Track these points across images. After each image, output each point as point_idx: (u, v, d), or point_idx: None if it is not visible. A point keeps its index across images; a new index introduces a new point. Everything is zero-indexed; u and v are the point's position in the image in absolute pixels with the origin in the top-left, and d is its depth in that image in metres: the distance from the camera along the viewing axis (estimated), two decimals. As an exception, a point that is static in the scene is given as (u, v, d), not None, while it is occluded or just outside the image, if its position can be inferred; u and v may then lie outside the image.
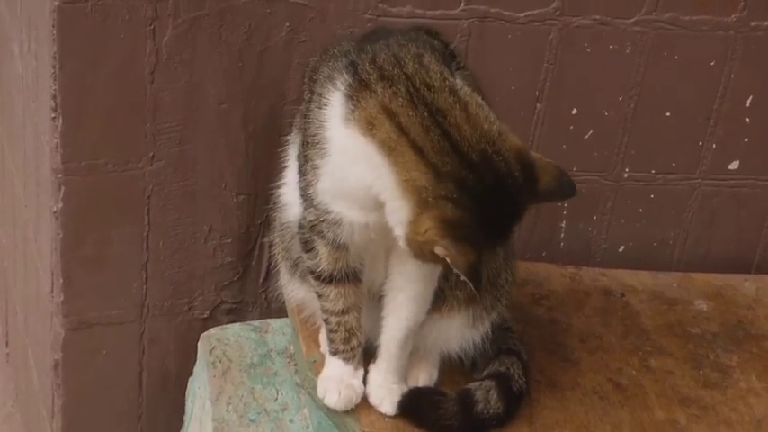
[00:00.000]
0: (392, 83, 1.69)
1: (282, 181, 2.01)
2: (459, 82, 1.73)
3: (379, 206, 1.72)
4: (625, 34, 2.29)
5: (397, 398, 1.92)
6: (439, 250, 1.66)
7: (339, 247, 1.84)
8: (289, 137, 2.01)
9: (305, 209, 1.85)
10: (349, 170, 1.73)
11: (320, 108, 1.75)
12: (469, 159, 1.66)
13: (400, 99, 1.68)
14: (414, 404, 1.92)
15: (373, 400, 1.93)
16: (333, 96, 1.73)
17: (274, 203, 2.07)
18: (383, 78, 1.70)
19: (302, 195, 1.86)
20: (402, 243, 1.72)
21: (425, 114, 1.67)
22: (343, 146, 1.72)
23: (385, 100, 1.68)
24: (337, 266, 1.86)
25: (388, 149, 1.66)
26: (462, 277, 1.68)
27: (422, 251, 1.70)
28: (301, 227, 1.89)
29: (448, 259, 1.66)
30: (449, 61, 1.79)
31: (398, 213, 1.69)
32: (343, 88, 1.72)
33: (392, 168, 1.67)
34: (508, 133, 1.70)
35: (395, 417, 1.91)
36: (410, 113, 1.67)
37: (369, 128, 1.68)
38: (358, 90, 1.70)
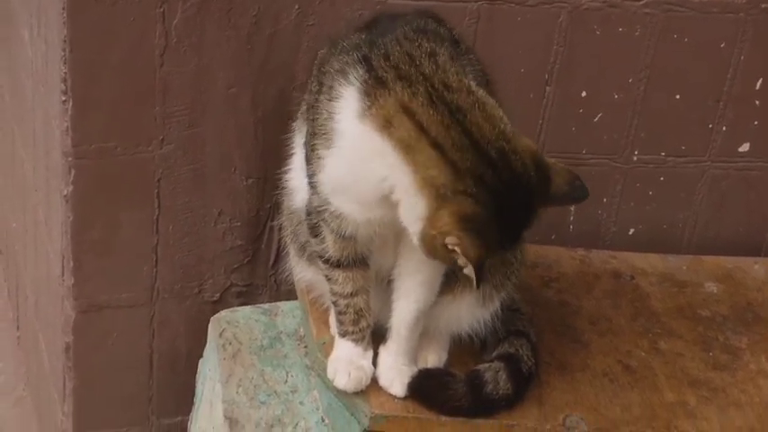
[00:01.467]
0: (410, 83, 1.70)
1: (289, 167, 2.01)
2: (473, 83, 1.74)
3: (383, 204, 1.73)
4: (635, 16, 2.28)
5: (406, 379, 1.92)
6: (451, 240, 1.66)
7: (345, 238, 1.85)
8: (295, 124, 2.01)
9: (311, 194, 1.86)
10: (360, 166, 1.73)
11: (331, 100, 1.75)
12: (489, 156, 1.67)
13: (420, 98, 1.69)
14: (423, 385, 1.92)
15: (383, 381, 1.93)
16: (346, 90, 1.73)
17: (283, 188, 2.07)
18: (401, 78, 1.70)
19: (309, 181, 1.86)
20: (416, 240, 1.72)
21: (446, 113, 1.68)
22: (356, 140, 1.72)
23: (404, 99, 1.69)
24: (344, 254, 1.87)
25: (406, 148, 1.67)
26: (466, 270, 1.69)
27: (434, 245, 1.70)
28: (309, 213, 1.89)
29: (458, 249, 1.67)
30: (456, 50, 1.79)
31: (414, 210, 1.69)
32: (357, 83, 1.72)
33: (409, 167, 1.67)
34: (521, 135, 1.72)
35: (404, 398, 1.92)
36: (431, 112, 1.68)
37: (386, 125, 1.68)
38: (374, 87, 1.70)
